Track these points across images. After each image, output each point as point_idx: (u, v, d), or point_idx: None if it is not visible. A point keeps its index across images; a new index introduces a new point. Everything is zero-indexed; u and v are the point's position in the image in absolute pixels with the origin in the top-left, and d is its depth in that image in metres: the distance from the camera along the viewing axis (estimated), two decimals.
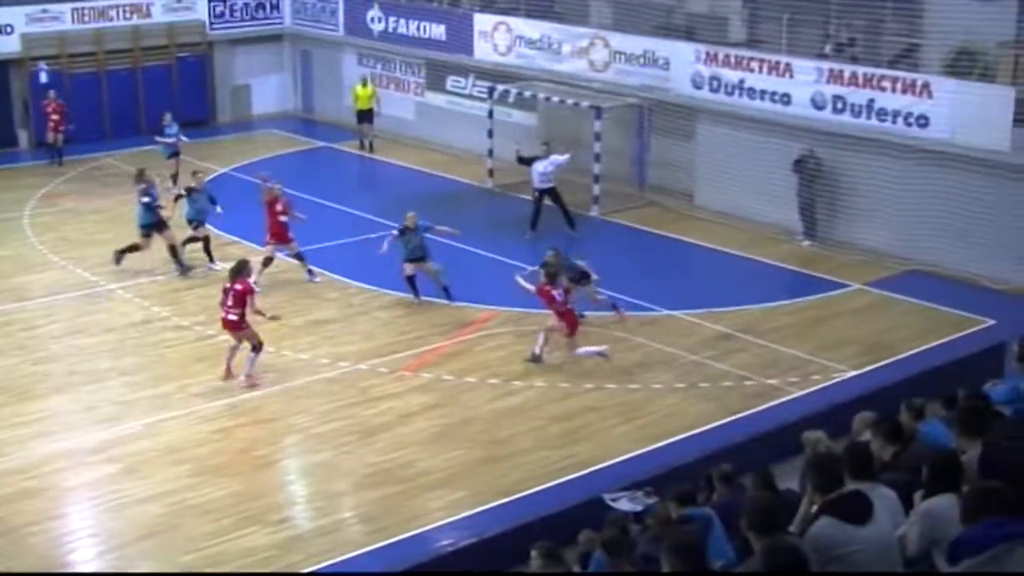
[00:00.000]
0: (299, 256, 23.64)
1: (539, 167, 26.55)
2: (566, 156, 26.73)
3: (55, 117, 32.65)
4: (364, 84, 34.40)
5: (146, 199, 24.09)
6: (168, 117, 30.06)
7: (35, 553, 14.71)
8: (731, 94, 27.00)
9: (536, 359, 19.75)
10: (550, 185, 26.64)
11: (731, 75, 26.98)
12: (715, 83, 27.28)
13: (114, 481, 16.36)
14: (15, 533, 15.05)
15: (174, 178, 29.26)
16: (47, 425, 18.02)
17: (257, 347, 19.26)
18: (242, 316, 19.13)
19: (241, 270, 19.55)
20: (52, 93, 32.98)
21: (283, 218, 23.52)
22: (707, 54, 27.45)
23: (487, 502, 15.66)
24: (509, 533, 13.90)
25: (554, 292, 19.61)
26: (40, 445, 17.32)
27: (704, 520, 10.90)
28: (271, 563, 14.34)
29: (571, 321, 19.66)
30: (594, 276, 20.99)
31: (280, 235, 23.48)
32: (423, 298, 22.32)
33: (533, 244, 24.99)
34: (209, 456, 16.99)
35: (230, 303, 19.12)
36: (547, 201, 26.49)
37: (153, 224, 24.17)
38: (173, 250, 24.15)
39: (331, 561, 14.41)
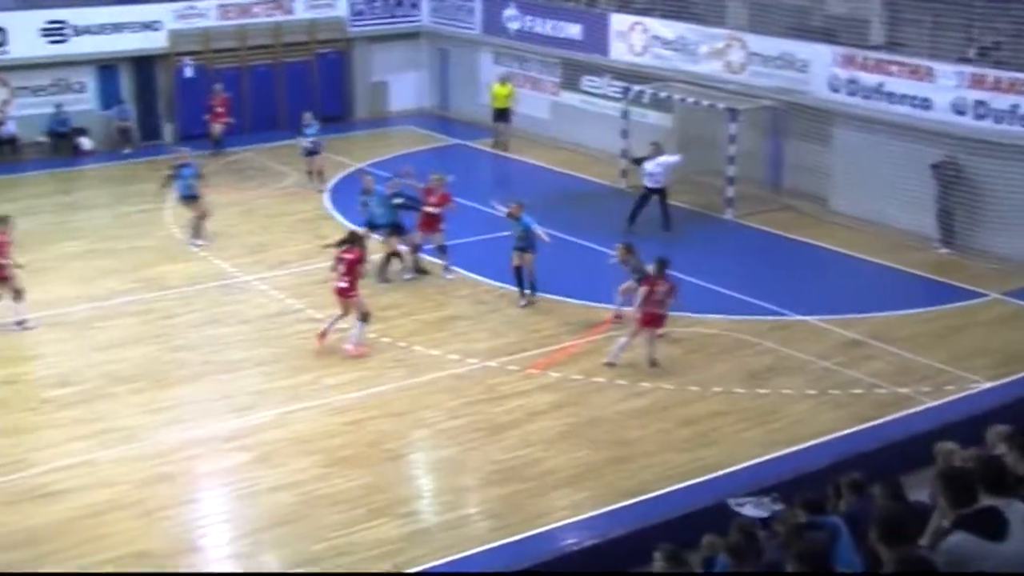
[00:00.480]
0: (442, 249, 23.85)
1: (648, 167, 26.63)
2: (676, 157, 26.73)
3: (220, 110, 33.68)
4: (502, 83, 34.60)
5: (398, 199, 23.99)
6: (308, 116, 30.47)
7: (170, 536, 15.07)
8: (869, 98, 26.59)
9: (653, 363, 19.63)
10: (659, 185, 26.65)
11: (870, 78, 26.57)
12: (853, 86, 26.90)
13: (247, 469, 16.70)
14: (150, 516, 15.44)
15: (310, 175, 29.77)
16: (182, 412, 18.46)
17: (365, 317, 20.10)
18: (352, 284, 20.10)
19: (354, 240, 20.65)
20: (219, 87, 34.05)
21: (433, 210, 23.72)
22: (845, 57, 27.07)
23: (612, 503, 15.65)
24: (632, 534, 13.88)
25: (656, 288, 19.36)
26: (175, 431, 17.76)
27: (832, 528, 10.77)
28: (397, 555, 14.49)
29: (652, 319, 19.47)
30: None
31: (429, 225, 23.72)
32: (533, 294, 22.48)
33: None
34: (339, 447, 17.24)
35: (342, 270, 20.16)
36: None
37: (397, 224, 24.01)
38: (391, 257, 24.02)
39: (455, 556, 14.51)
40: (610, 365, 19.61)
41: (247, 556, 14.76)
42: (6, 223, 21.96)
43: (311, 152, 30.10)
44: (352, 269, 20.22)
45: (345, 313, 20.36)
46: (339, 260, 20.42)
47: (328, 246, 21.82)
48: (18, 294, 21.54)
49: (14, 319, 21.52)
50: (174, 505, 15.78)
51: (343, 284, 20.28)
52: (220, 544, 15.16)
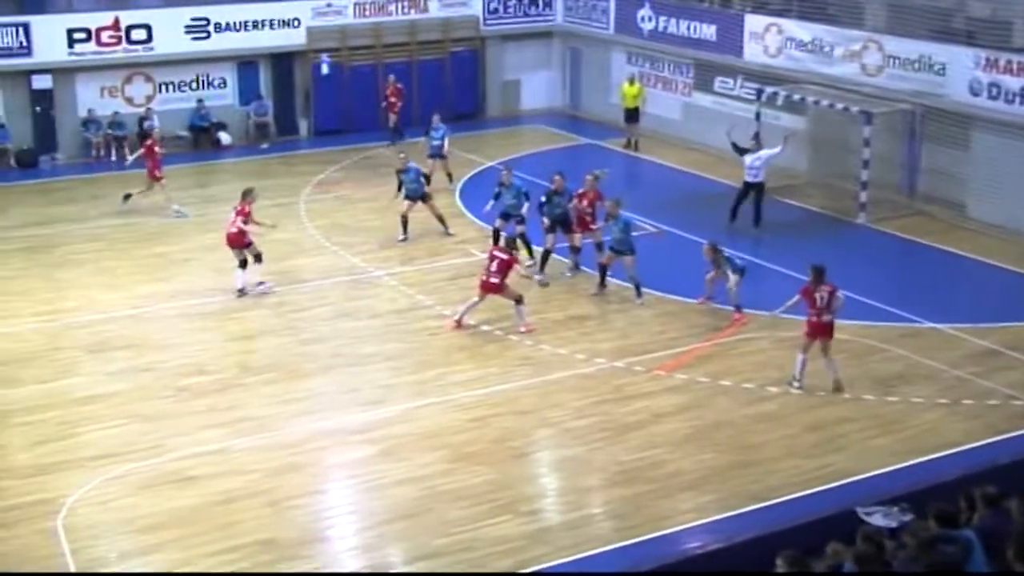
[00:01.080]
0: (575, 249, 23.99)
1: (747, 160, 26.56)
2: (777, 149, 26.60)
3: (392, 99, 34.53)
4: (631, 83, 34.54)
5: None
6: (436, 118, 30.55)
7: (297, 526, 15.32)
8: (1011, 102, 25.99)
9: (837, 386, 18.83)
10: (757, 180, 26.58)
11: (1012, 82, 25.97)
12: (994, 90, 26.32)
13: (373, 462, 16.90)
14: (279, 505, 15.71)
15: (427, 178, 29.58)
16: (312, 404, 18.76)
17: (519, 299, 21.10)
18: (502, 282, 21.25)
19: (510, 244, 21.93)
20: (392, 78, 34.98)
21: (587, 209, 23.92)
22: (987, 60, 26.49)
23: (736, 507, 15.53)
24: (757, 539, 13.74)
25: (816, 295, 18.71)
26: (305, 422, 18.06)
27: (966, 542, 10.58)
28: (519, 553, 14.56)
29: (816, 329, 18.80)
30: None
31: (583, 224, 23.91)
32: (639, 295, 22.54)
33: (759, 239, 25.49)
34: (465, 444, 17.36)
35: (494, 268, 21.19)
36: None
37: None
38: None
39: (578, 556, 14.52)
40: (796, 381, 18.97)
41: (371, 548, 14.95)
42: (250, 194, 23.77)
43: (436, 155, 30.18)
44: (505, 269, 21.19)
45: (482, 300, 21.27)
46: (493, 258, 21.32)
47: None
48: (257, 258, 23.33)
49: (257, 283, 23.36)
50: (302, 495, 16.04)
51: (494, 280, 21.18)
52: (345, 535, 15.35)
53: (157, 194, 28.74)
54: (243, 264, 23.29)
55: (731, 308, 21.69)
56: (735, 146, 27.04)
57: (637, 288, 22.58)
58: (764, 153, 26.68)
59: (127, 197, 28.77)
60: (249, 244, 23.33)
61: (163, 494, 15.94)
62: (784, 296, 19.87)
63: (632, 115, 34.33)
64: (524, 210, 24.51)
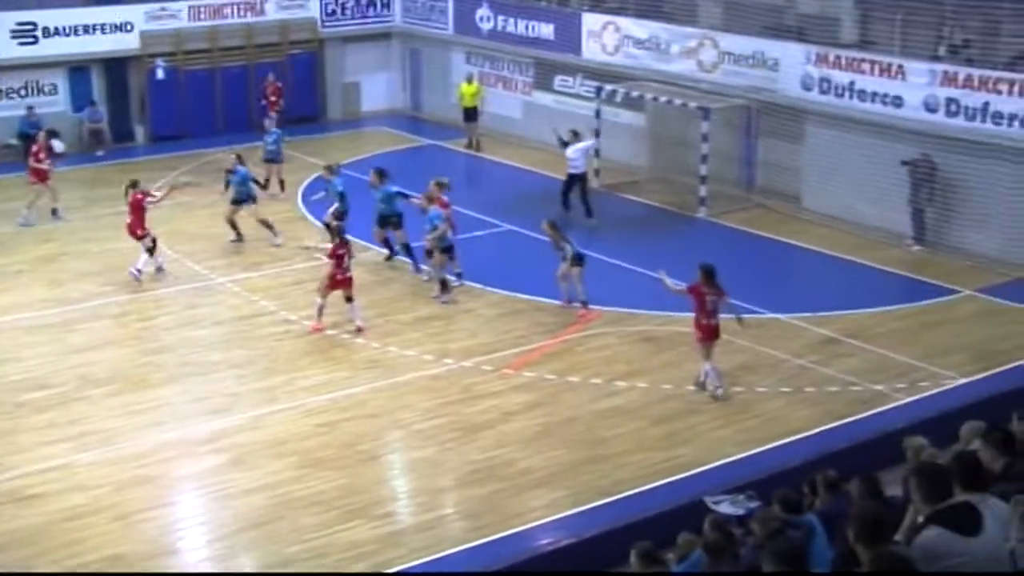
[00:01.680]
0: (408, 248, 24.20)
1: (568, 153, 27.32)
2: (592, 142, 27.90)
3: (273, 98, 34.49)
4: (469, 82, 34.62)
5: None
6: (268, 123, 30.11)
7: (146, 539, 15.04)
8: (841, 96, 26.72)
9: (701, 385, 18.77)
10: (578, 171, 27.36)
11: (842, 77, 26.71)
12: (825, 85, 27.02)
13: (222, 471, 16.67)
14: (128, 519, 15.40)
15: (262, 184, 29.09)
16: (159, 414, 18.42)
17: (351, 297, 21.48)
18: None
19: (340, 234, 21.72)
20: (271, 76, 35.07)
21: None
22: (817, 55, 27.20)
23: (587, 502, 15.69)
24: (609, 534, 13.91)
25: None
26: (152, 433, 17.72)
27: (808, 527, 10.82)
28: (373, 556, 14.51)
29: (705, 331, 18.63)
30: None
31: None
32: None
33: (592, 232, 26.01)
34: (315, 449, 17.22)
35: (346, 264, 21.47)
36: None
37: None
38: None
39: (432, 557, 14.53)
40: (701, 387, 18.76)
41: (223, 559, 14.74)
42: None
43: (271, 160, 29.82)
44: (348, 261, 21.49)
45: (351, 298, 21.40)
46: (340, 256, 21.25)
47: (308, 248, 23.25)
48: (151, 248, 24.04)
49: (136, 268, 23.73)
50: (150, 508, 15.74)
51: (350, 274, 21.33)
52: (196, 547, 15.13)
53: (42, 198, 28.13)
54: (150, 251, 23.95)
55: (572, 303, 21.91)
56: (559, 140, 27.60)
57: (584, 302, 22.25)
58: (582, 145, 27.45)
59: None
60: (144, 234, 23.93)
61: (3, 514, 15.47)
62: (624, 291, 20.20)
63: (471, 114, 34.41)
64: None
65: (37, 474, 16.48)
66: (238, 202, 26.03)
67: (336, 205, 24.98)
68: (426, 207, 23.11)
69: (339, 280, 21.28)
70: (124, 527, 15.23)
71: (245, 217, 25.98)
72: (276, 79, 35.31)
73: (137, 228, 24.00)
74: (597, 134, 29.92)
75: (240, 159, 26.35)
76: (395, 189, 24.69)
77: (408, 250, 24.14)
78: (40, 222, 27.78)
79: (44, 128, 33.03)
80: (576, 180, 27.42)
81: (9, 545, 14.76)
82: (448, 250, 23.06)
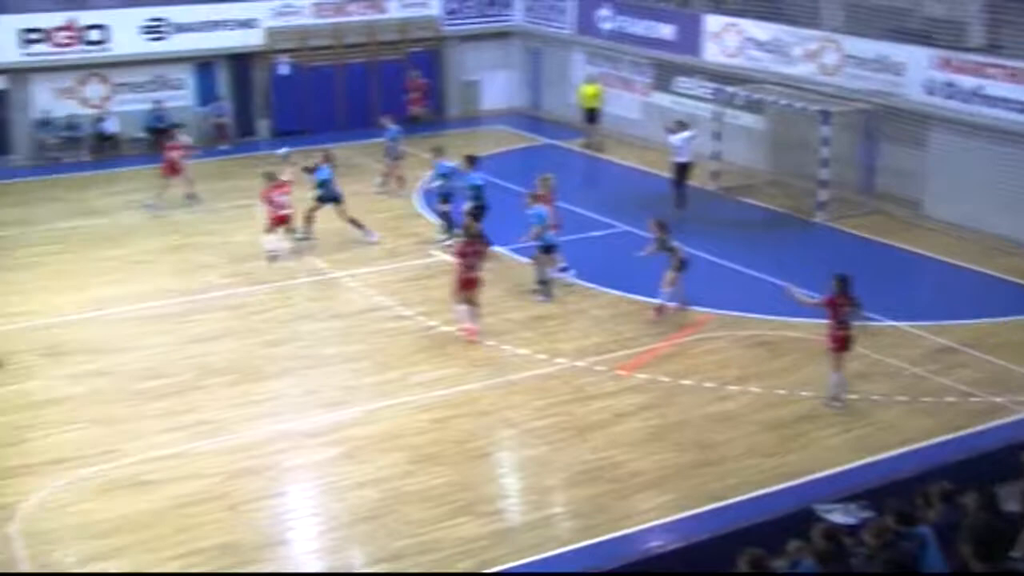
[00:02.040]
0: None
1: (673, 140, 28.16)
2: (694, 131, 28.52)
3: (415, 95, 35.41)
4: (590, 83, 34.57)
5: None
6: (386, 120, 30.51)
7: (257, 528, 15.25)
8: (967, 101, 26.20)
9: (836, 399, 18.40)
10: (683, 160, 28.16)
11: (968, 81, 26.18)
12: (950, 89, 26.51)
13: (334, 464, 16.85)
14: (239, 508, 15.63)
15: (386, 177, 29.80)
16: (273, 406, 18.68)
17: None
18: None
19: (478, 234, 21.58)
20: (415, 73, 35.90)
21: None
22: (943, 59, 26.69)
23: (696, 506, 15.57)
24: (717, 539, 13.80)
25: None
26: (266, 425, 17.97)
27: (920, 538, 10.64)
28: (481, 553, 14.55)
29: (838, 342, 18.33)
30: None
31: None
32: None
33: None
34: (426, 445, 17.33)
35: (469, 263, 20.82)
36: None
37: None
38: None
39: (539, 556, 14.53)
40: (836, 400, 18.43)
41: (333, 551, 14.90)
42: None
43: (390, 156, 30.10)
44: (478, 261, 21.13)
45: (472, 302, 20.96)
46: (466, 254, 20.88)
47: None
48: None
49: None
50: (262, 498, 15.96)
51: (473, 275, 20.89)
52: (306, 538, 15.29)
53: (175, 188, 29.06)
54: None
55: (692, 308, 21.78)
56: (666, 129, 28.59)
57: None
58: (686, 134, 27.96)
59: (191, 197, 29.35)
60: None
61: (120, 499, 15.82)
62: (739, 294, 20.00)
63: (592, 115, 34.38)
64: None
65: (154, 461, 16.82)
66: (321, 200, 26.12)
67: (470, 203, 24.91)
68: (530, 204, 23.12)
69: (465, 280, 20.94)
70: (236, 516, 15.47)
71: (335, 215, 26.16)
72: (420, 75, 36.16)
73: (271, 218, 24.88)
74: (716, 136, 29.75)
75: (327, 158, 26.47)
76: (479, 180, 25.13)
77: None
78: (167, 213, 28.38)
79: (170, 122, 33.89)
80: (680, 169, 27.83)
81: (126, 528, 15.08)
82: (548, 249, 23.06)
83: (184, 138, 30.19)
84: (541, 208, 23.01)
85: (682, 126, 28.40)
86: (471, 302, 20.99)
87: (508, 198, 26.07)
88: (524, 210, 23.26)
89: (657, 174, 31.10)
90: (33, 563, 14.35)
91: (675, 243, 21.68)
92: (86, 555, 14.66)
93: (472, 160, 25.58)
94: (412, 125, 34.44)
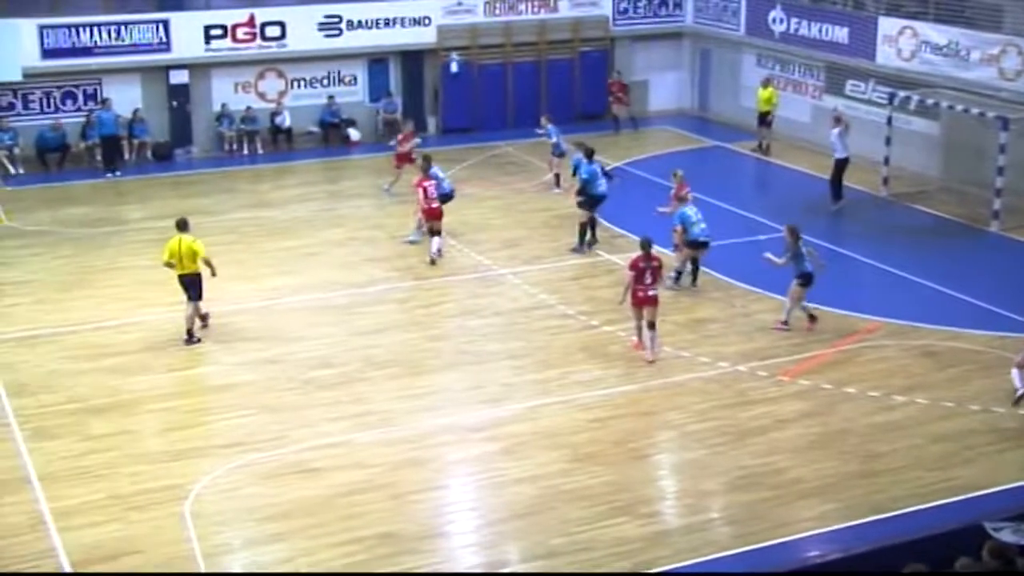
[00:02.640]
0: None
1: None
2: (843, 127, 28.71)
3: (620, 94, 36.54)
4: (765, 86, 34.23)
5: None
6: (544, 119, 30.91)
7: (417, 520, 15.48)
8: None
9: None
10: (838, 155, 28.66)
11: None
12: None
13: (494, 459, 17.01)
14: (401, 499, 15.90)
15: (557, 178, 29.99)
16: (435, 400, 18.94)
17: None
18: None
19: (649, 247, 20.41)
20: (618, 73, 36.97)
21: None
22: None
23: (858, 517, 15.33)
24: (879, 551, 13.57)
25: None
26: (428, 418, 18.23)
27: None
28: (638, 555, 14.55)
29: None
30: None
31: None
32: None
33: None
34: (585, 444, 17.39)
35: (650, 280, 20.11)
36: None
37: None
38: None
39: (696, 560, 14.47)
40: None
41: (490, 545, 15.04)
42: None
43: (555, 154, 30.19)
44: (658, 277, 20.34)
45: (651, 321, 20.13)
46: (644, 270, 20.03)
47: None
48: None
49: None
50: (423, 490, 16.20)
51: (653, 293, 20.10)
52: (464, 531, 15.47)
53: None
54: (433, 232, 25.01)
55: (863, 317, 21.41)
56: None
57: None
58: (835, 130, 28.60)
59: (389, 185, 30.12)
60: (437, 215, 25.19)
61: (287, 484, 16.23)
62: (908, 302, 19.60)
63: (764, 119, 34.04)
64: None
65: (321, 448, 17.22)
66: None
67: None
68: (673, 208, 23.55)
69: (641, 298, 20.12)
70: (398, 506, 15.73)
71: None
72: (620, 75, 36.89)
73: (424, 211, 25.23)
74: (888, 141, 29.23)
75: (428, 160, 26.40)
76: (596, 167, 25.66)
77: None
78: (338, 208, 29.02)
79: (342, 118, 34.57)
80: (838, 164, 28.29)
81: (293, 513, 15.46)
82: (695, 245, 23.06)
83: (352, 132, 30.69)
84: (683, 210, 23.00)
85: (836, 121, 28.70)
86: (650, 324, 20.15)
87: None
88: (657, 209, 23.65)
89: (825, 178, 30.63)
90: (202, 543, 14.80)
91: (805, 251, 21.17)
92: (250, 538, 15.08)
93: (589, 151, 25.83)
94: (615, 123, 36.07)
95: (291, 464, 16.80)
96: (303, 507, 15.64)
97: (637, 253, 20.31)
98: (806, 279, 21.06)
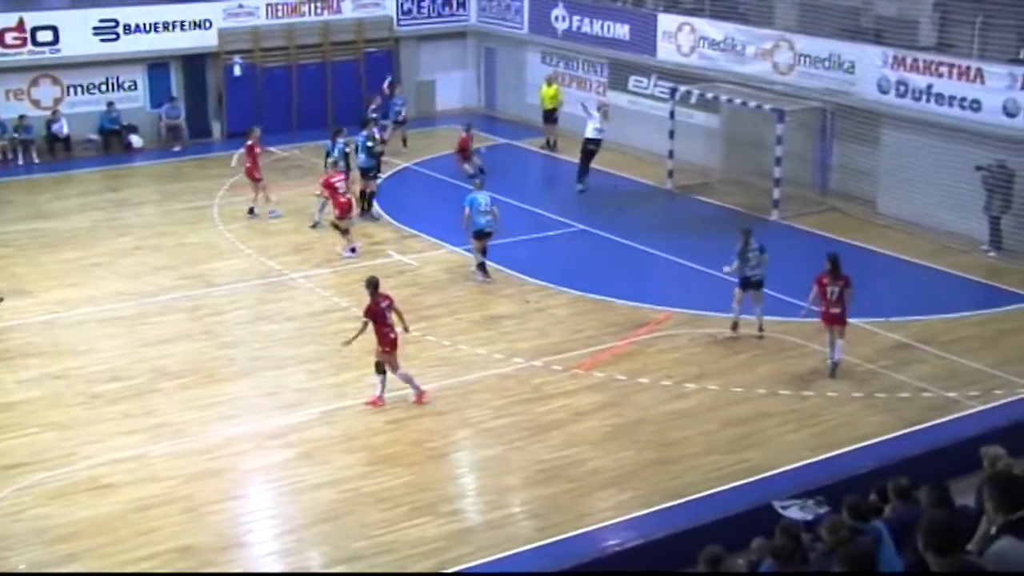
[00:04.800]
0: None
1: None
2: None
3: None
4: (549, 84, 34.60)
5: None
6: (398, 89, 33.90)
7: (215, 531, 15.19)
8: (918, 99, 26.40)
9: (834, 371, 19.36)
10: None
11: (919, 80, 26.38)
12: (902, 88, 26.72)
13: (292, 466, 16.80)
14: (198, 511, 15.57)
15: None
16: (230, 408, 18.60)
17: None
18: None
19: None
20: (465, 127, 33.85)
21: None
22: (895, 58, 26.90)
23: (656, 504, 15.65)
24: (677, 536, 13.87)
25: None
26: (223, 427, 17.90)
27: (875, 533, 10.74)
28: (440, 554, 14.56)
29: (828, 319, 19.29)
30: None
31: None
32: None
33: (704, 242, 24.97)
34: (384, 446, 17.31)
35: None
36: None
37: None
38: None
39: (499, 555, 14.55)
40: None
41: (291, 552, 14.87)
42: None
43: (396, 122, 30.64)
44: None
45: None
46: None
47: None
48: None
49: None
50: (220, 500, 15.92)
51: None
52: (264, 540, 15.26)
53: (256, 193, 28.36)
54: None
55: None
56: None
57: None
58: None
59: (251, 212, 28.24)
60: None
61: (78, 502, 15.72)
62: (695, 292, 20.08)
63: (550, 116, 34.42)
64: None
65: (112, 464, 16.73)
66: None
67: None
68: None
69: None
70: (195, 518, 15.41)
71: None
72: (469, 128, 31.96)
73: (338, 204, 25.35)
74: (671, 135, 29.90)
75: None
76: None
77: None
78: (123, 217, 28.25)
79: (123, 124, 33.66)
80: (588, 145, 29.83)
81: (84, 532, 14.99)
82: (480, 236, 23.39)
83: (134, 138, 29.88)
84: (474, 196, 23.29)
85: (600, 108, 30.53)
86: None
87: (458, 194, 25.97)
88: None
89: (613, 173, 31.16)
90: None
91: (752, 254, 20.78)
92: (41, 561, 14.54)
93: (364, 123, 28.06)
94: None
95: (81, 481, 16.28)
96: (95, 525, 15.19)
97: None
98: (742, 282, 20.76)
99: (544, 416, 18.18)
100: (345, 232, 25.04)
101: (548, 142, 34.44)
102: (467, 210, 23.29)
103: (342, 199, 25.07)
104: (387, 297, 18.91)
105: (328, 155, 27.41)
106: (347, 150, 27.85)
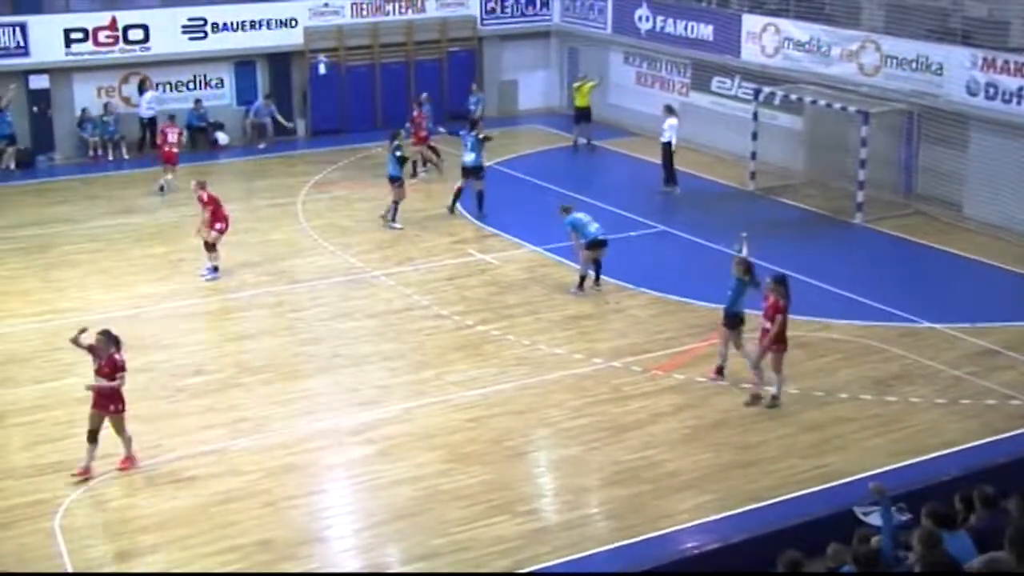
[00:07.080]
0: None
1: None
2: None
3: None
4: (582, 81, 34.66)
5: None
6: (474, 86, 33.70)
7: (295, 526, 15.31)
8: (1008, 102, 26.00)
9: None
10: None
11: (1010, 82, 25.98)
12: (991, 90, 26.33)
13: (371, 462, 16.90)
14: (277, 505, 15.70)
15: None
16: (310, 404, 18.74)
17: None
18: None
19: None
20: (423, 98, 34.76)
21: None
22: (984, 60, 26.50)
23: (734, 507, 15.54)
24: (755, 540, 13.76)
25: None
26: (303, 423, 18.05)
27: (960, 543, 10.58)
28: (517, 553, 14.56)
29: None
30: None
31: None
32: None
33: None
34: (462, 444, 17.36)
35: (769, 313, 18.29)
36: None
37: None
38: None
39: (575, 556, 14.53)
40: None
41: (369, 548, 14.94)
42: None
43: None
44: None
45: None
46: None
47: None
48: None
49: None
50: (299, 495, 16.02)
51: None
52: (343, 536, 15.34)
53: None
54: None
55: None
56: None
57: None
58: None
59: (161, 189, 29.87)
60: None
61: (161, 494, 15.94)
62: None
63: (583, 114, 34.30)
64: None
65: (195, 457, 16.94)
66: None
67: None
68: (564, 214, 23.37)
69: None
70: (274, 512, 15.54)
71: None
72: (426, 100, 32.96)
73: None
74: (754, 136, 29.73)
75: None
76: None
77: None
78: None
79: (209, 121, 34.11)
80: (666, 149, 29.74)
81: (167, 524, 15.19)
82: (593, 246, 22.94)
83: (220, 135, 30.32)
84: (573, 216, 23.01)
85: (669, 111, 29.90)
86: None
87: (544, 197, 26.08)
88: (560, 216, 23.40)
89: (695, 175, 30.99)
90: (72, 558, 14.46)
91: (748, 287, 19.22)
92: (123, 551, 14.76)
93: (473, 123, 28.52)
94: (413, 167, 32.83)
95: (165, 474, 16.49)
96: (178, 517, 15.37)
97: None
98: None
99: (623, 417, 18.14)
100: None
101: (576, 143, 34.28)
102: (572, 231, 23.01)
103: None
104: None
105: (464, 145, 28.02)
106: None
